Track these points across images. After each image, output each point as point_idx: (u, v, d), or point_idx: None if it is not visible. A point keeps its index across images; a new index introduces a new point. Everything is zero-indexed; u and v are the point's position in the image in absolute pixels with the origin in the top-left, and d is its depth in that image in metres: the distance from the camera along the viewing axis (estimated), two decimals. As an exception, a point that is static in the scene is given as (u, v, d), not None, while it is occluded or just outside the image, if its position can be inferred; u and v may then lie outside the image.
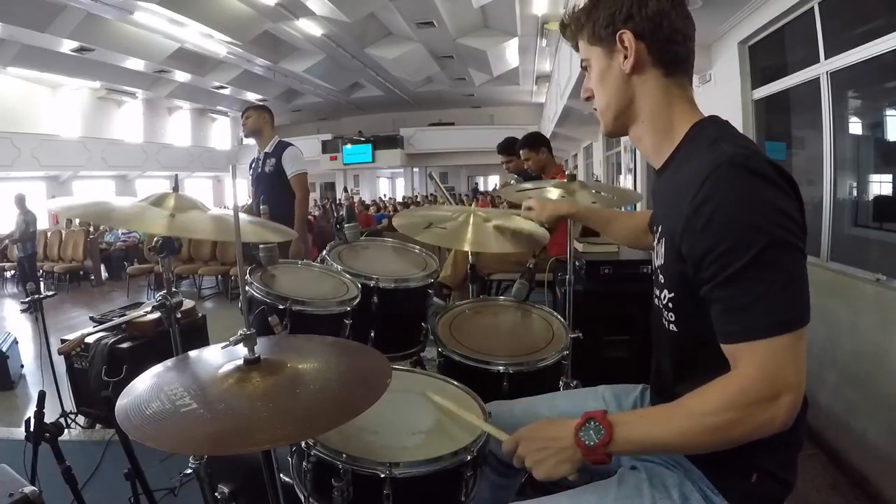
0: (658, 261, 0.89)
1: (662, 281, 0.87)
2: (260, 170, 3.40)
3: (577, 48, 0.97)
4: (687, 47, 0.88)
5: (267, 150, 3.40)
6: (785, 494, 0.85)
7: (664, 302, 0.87)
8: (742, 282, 0.72)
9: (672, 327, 0.87)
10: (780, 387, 0.70)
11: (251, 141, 3.58)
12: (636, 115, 0.91)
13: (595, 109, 0.97)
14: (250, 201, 3.64)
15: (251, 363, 0.83)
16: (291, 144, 3.43)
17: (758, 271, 0.71)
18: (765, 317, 0.71)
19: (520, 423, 1.10)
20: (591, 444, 0.77)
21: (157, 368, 0.89)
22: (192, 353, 0.96)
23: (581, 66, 0.97)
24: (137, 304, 3.33)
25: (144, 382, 0.83)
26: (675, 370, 0.90)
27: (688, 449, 0.80)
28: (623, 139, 7.98)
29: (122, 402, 0.77)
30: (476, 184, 21.30)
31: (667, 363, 0.92)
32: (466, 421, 1.04)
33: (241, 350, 0.85)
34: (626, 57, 0.86)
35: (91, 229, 8.44)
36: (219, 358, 0.89)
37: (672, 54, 0.87)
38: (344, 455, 0.95)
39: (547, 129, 11.57)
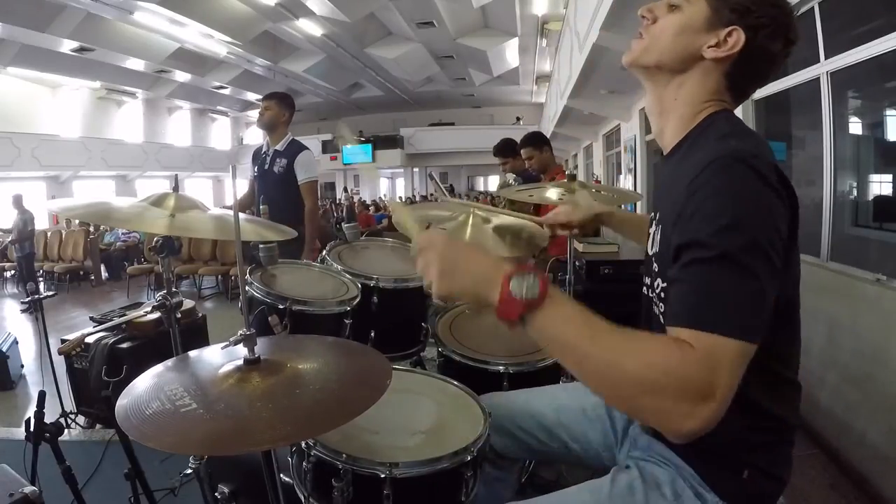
0: (654, 248, 0.85)
1: (656, 269, 0.82)
2: (267, 166, 3.11)
3: None
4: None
5: (278, 147, 3.10)
6: (779, 491, 0.84)
7: (657, 291, 0.83)
8: (716, 270, 0.66)
9: (663, 319, 0.81)
10: (712, 386, 0.62)
11: (251, 141, 3.50)
12: (671, 84, 0.85)
13: (640, 34, 0.86)
14: (247, 190, 3.35)
15: (251, 363, 0.83)
16: (306, 148, 3.15)
17: (734, 267, 0.65)
18: (730, 315, 0.64)
19: (517, 416, 1.09)
20: (518, 296, 0.67)
21: (157, 369, 0.89)
22: (193, 354, 0.96)
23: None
24: (137, 304, 3.33)
25: (144, 383, 0.83)
26: None
27: (583, 374, 0.68)
28: (623, 139, 7.98)
29: (123, 402, 0.77)
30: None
31: None
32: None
33: (241, 350, 0.85)
34: (715, 46, 0.80)
35: (91, 229, 8.43)
36: (219, 358, 0.89)
37: (762, 73, 0.86)
38: (344, 455, 0.95)
39: (547, 129, 11.57)
